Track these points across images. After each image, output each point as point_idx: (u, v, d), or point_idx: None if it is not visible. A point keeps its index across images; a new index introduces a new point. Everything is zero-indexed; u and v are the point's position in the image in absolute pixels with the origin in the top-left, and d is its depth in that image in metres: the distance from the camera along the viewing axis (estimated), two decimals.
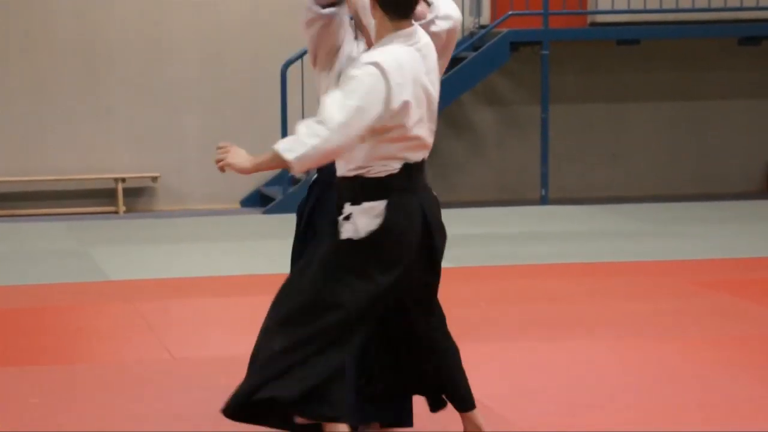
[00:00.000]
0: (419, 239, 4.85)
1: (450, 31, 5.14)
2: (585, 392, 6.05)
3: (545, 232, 11.35)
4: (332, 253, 4.82)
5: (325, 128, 4.62)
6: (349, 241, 4.78)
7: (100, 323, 7.98)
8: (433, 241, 4.91)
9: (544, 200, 13.27)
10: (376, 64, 4.71)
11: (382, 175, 4.81)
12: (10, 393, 6.24)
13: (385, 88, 4.69)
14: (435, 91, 4.90)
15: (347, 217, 4.79)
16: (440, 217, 4.97)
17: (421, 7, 4.99)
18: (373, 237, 4.77)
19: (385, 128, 4.74)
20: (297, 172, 4.76)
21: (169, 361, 6.90)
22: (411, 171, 4.85)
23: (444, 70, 5.17)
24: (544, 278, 9.03)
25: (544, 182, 13.27)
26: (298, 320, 4.81)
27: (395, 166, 4.82)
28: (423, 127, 4.84)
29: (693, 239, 10.81)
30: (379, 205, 4.79)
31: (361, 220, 4.79)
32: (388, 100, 4.70)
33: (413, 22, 4.87)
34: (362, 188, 4.81)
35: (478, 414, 5.08)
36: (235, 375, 6.44)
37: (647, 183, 14.43)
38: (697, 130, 14.52)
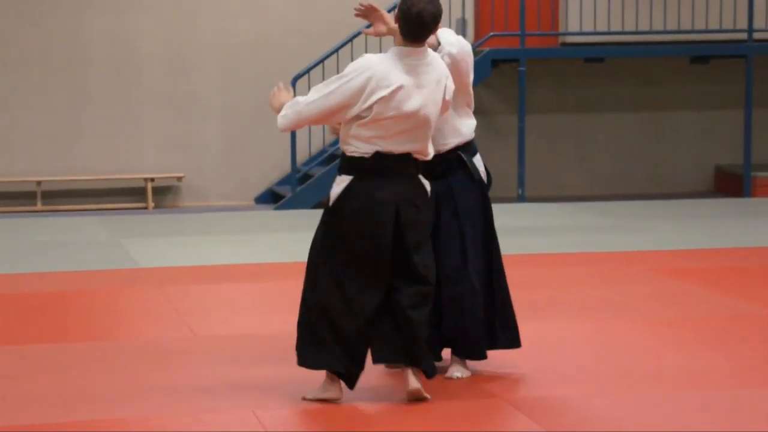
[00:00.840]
0: (383, 218, 5.22)
1: (451, 65, 5.53)
2: (556, 365, 6.08)
3: (521, 227, 11.34)
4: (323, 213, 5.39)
5: (301, 104, 5.32)
6: (326, 204, 5.32)
7: (131, 305, 7.99)
8: (399, 225, 5.24)
9: (521, 198, 13.27)
10: (364, 62, 5.24)
11: (356, 155, 5.24)
12: (53, 365, 6.26)
13: (363, 82, 5.18)
14: (427, 102, 5.25)
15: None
16: (422, 200, 5.33)
17: (431, 40, 5.43)
18: (336, 204, 5.26)
19: (360, 116, 5.20)
20: (281, 128, 5.52)
21: (192, 339, 6.90)
22: (384, 159, 5.23)
23: (463, 90, 5.68)
24: (521, 267, 9.02)
25: (521, 182, 13.27)
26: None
27: (367, 150, 5.22)
28: (400, 125, 5.21)
29: (650, 233, 10.82)
30: (347, 179, 5.25)
31: (334, 188, 5.28)
32: (362, 91, 5.18)
33: (427, 48, 5.31)
34: (342, 162, 5.30)
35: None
36: (250, 350, 6.48)
37: (610, 183, 14.44)
38: (653, 137, 14.53)
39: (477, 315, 5.70)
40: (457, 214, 5.70)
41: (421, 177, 5.40)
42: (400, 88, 5.20)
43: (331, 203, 5.30)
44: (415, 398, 5.33)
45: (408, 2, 5.24)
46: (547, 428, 5.06)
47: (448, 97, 5.40)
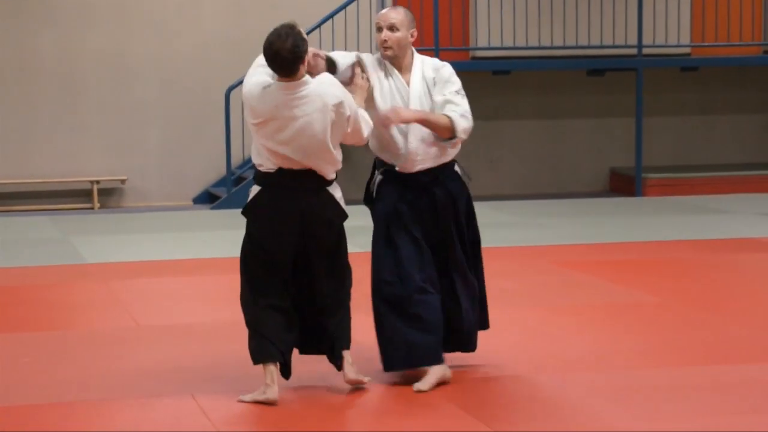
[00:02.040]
0: (287, 227, 5.12)
1: None
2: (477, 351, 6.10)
3: None
4: None
5: None
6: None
7: (79, 297, 7.90)
8: (306, 228, 5.14)
9: None
10: (245, 92, 5.13)
11: (263, 170, 5.15)
12: (4, 353, 6.18)
13: (247, 109, 5.10)
14: (304, 132, 5.04)
15: None
16: (326, 214, 5.19)
17: (308, 67, 5.15)
18: (246, 211, 5.22)
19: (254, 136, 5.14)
20: None
21: (134, 328, 6.84)
22: (285, 174, 5.10)
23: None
24: None
25: None
26: None
27: (271, 167, 5.11)
28: (283, 149, 5.06)
29: (552, 229, 10.89)
30: (256, 189, 5.18)
31: (250, 196, 5.21)
32: (249, 115, 5.11)
33: (305, 80, 5.06)
34: (255, 173, 5.21)
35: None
36: (190, 339, 6.43)
37: (517, 184, 14.51)
38: (555, 142, 14.62)
39: (475, 313, 5.60)
40: (458, 219, 5.57)
41: (332, 190, 5.21)
42: (269, 119, 5.03)
43: (242, 210, 5.22)
44: (355, 386, 5.32)
45: (267, 40, 5.00)
46: (470, 412, 5.07)
47: (350, 127, 5.13)
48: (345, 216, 5.28)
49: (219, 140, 13.14)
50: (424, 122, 5.35)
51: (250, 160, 13.41)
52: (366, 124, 5.24)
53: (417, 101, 5.39)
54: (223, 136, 13.01)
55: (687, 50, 14.37)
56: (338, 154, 5.17)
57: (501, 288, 7.92)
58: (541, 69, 14.13)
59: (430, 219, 5.46)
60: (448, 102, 5.42)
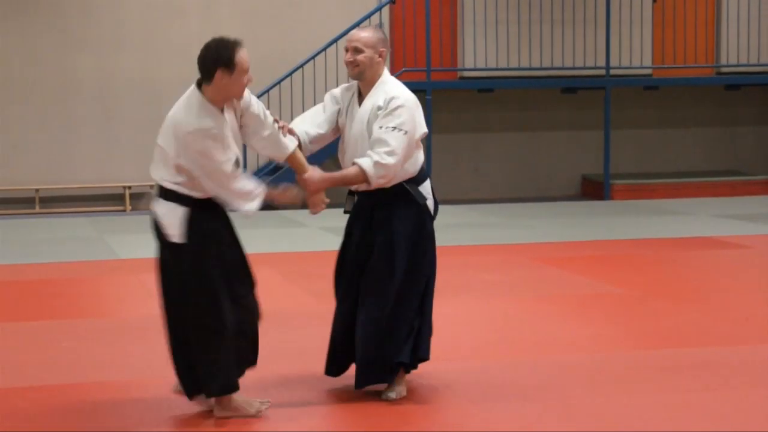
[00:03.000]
0: (216, 245, 4.52)
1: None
2: (456, 336, 6.10)
3: None
4: None
5: None
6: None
7: (112, 289, 7.91)
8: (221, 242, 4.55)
9: None
10: None
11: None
12: (48, 339, 6.19)
13: None
14: (198, 153, 4.42)
15: None
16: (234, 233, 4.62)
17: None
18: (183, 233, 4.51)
19: None
20: None
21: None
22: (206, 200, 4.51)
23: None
24: None
25: None
26: None
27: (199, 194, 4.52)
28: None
29: (530, 229, 10.90)
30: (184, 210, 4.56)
31: (173, 220, 4.59)
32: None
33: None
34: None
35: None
36: None
37: (500, 189, 14.52)
38: (533, 152, 14.64)
39: (387, 338, 4.77)
40: (391, 239, 4.77)
41: (226, 211, 4.61)
42: None
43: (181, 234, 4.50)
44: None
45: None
46: (461, 396, 5.08)
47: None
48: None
49: None
50: (337, 184, 4.72)
51: (265, 165, 13.43)
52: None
53: (358, 126, 4.78)
54: (240, 146, 12.99)
55: (649, 71, 14.39)
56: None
57: (483, 280, 7.94)
58: (521, 87, 14.15)
59: (365, 241, 4.83)
60: (376, 141, 4.66)
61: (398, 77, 13.39)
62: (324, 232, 10.33)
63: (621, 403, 4.80)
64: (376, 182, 4.68)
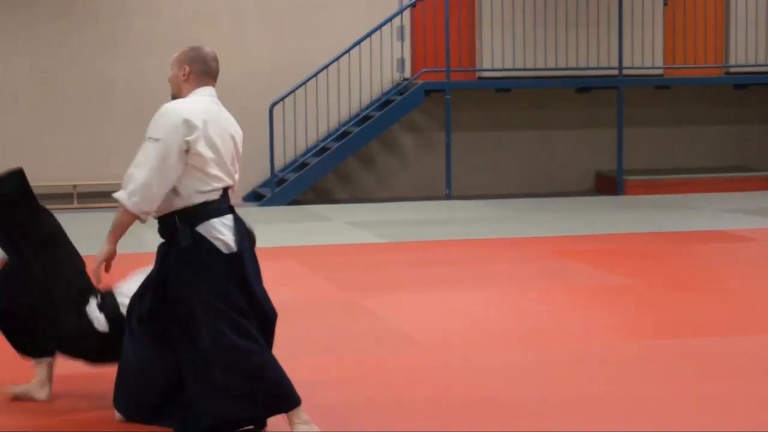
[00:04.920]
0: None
1: None
2: (477, 324, 6.12)
3: (448, 218, 11.40)
4: None
5: None
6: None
7: None
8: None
9: (448, 197, 13.33)
10: None
11: None
12: None
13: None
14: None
15: None
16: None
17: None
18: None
19: None
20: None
21: None
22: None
23: None
24: (447, 249, 9.09)
25: (448, 184, 13.33)
26: None
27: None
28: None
29: (545, 223, 10.89)
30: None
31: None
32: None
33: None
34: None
35: None
36: None
37: (516, 184, 14.52)
38: (549, 149, 14.63)
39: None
40: (165, 286, 4.21)
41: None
42: None
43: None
44: None
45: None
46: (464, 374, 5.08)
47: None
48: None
49: (263, 147, 13.20)
50: (118, 231, 4.30)
51: (290, 164, 13.49)
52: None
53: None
54: (267, 144, 13.06)
55: (660, 71, 14.35)
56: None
57: (501, 271, 7.95)
58: (537, 87, 14.14)
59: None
60: (133, 162, 4.17)
61: (420, 77, 13.50)
62: (348, 227, 10.35)
63: (635, 392, 4.79)
64: (135, 207, 4.11)
